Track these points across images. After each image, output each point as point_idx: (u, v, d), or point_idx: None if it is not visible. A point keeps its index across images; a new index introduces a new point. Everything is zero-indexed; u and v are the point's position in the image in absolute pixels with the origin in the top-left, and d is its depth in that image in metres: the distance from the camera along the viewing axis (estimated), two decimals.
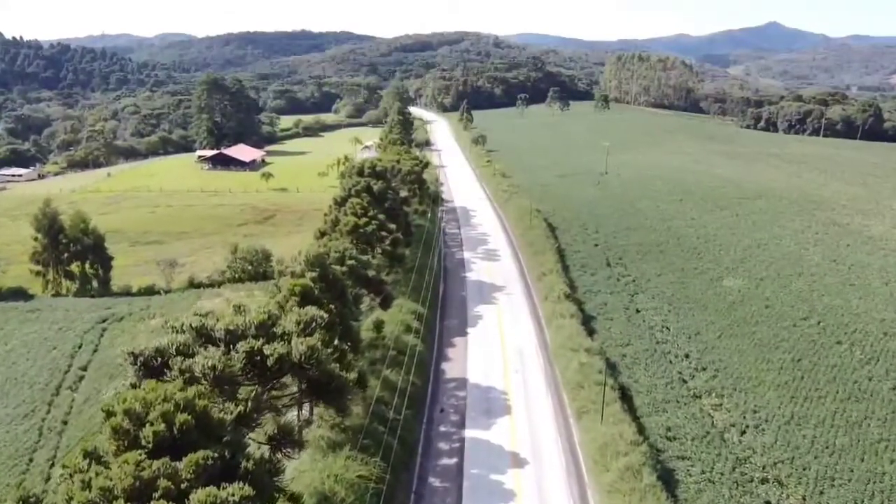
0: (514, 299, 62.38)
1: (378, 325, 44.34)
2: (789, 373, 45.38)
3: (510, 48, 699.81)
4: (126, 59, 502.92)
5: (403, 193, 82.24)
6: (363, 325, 44.41)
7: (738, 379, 44.87)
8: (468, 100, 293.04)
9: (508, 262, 75.73)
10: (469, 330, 55.82)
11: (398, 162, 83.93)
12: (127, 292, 72.04)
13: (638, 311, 57.24)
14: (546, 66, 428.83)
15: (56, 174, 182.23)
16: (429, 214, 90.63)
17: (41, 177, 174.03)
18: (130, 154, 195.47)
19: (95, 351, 55.45)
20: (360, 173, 66.22)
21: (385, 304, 44.48)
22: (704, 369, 46.38)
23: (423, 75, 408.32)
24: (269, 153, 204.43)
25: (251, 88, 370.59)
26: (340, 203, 62.43)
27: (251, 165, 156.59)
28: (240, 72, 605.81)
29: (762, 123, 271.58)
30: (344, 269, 41.92)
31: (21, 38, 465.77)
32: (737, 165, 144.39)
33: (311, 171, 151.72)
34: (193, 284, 70.98)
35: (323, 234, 58.60)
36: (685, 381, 44.71)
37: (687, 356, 48.51)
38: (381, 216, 59.76)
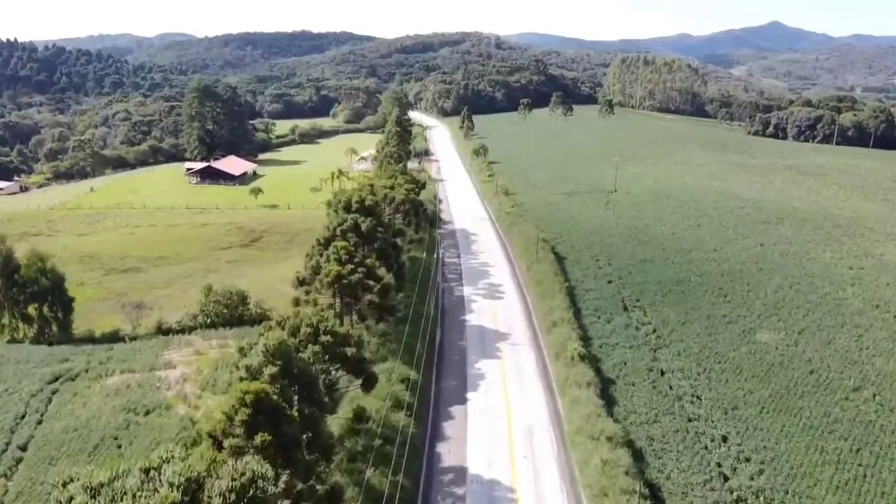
0: (521, 354, 55.07)
1: (359, 414, 37.10)
2: (849, 469, 38.08)
3: (512, 49, 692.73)
4: (122, 62, 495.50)
5: (398, 222, 74.95)
6: (341, 414, 37.20)
7: (789, 476, 37.57)
8: (469, 104, 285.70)
9: (513, 300, 68.48)
10: (469, 395, 48.57)
11: (392, 188, 76.55)
12: (89, 338, 64.76)
13: (663, 373, 49.91)
14: (548, 68, 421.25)
15: (40, 186, 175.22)
16: (426, 242, 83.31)
17: (24, 189, 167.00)
18: (119, 164, 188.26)
19: (40, 423, 48.17)
20: (348, 208, 58.93)
21: (368, 385, 37.17)
22: (748, 460, 39.07)
23: (424, 78, 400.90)
24: (263, 162, 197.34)
25: (248, 92, 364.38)
26: (324, 244, 55.13)
27: (241, 179, 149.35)
28: (238, 73, 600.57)
29: (771, 129, 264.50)
30: (317, 348, 34.61)
31: (15, 39, 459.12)
32: (752, 180, 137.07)
33: (305, 183, 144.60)
34: (162, 330, 63.70)
35: (302, 282, 51.33)
36: (726, 478, 37.41)
37: (725, 439, 41.20)
38: (370, 261, 52.44)
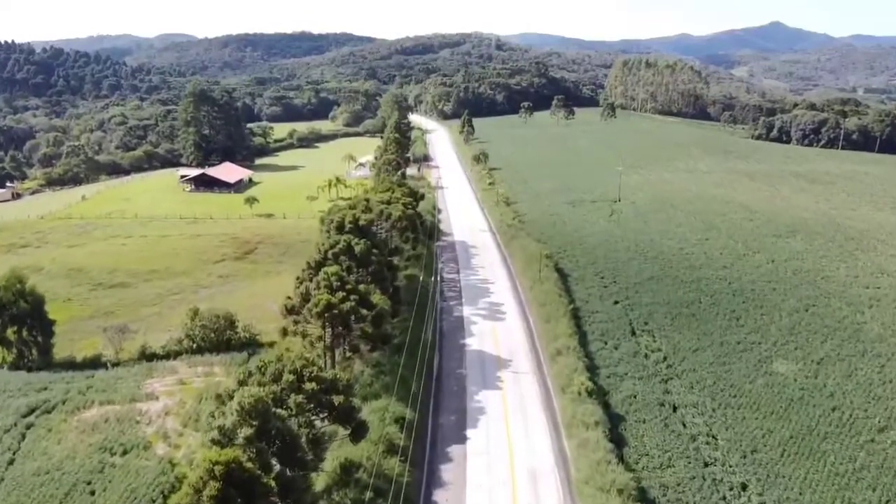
0: (523, 384, 51.96)
1: (347, 468, 34.01)
2: None
3: (512, 50, 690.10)
4: (120, 64, 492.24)
5: (395, 239, 71.89)
6: (328, 469, 34.11)
7: None
8: (469, 107, 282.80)
9: (515, 322, 65.38)
10: (469, 433, 45.44)
11: (389, 203, 73.37)
12: (70, 363, 61.65)
13: (675, 408, 46.79)
14: (549, 70, 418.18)
15: (34, 192, 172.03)
16: (423, 258, 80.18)
17: (16, 196, 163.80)
18: (113, 170, 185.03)
19: (11, 462, 45.07)
20: (341, 228, 55.88)
21: (357, 436, 34.07)
22: None
23: (424, 80, 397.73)
24: (260, 167, 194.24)
25: (247, 94, 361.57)
26: (315, 268, 52.09)
27: (236, 187, 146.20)
28: (238, 74, 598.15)
29: (775, 132, 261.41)
30: (301, 398, 31.53)
31: (13, 41, 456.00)
32: (759, 188, 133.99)
33: (302, 190, 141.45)
34: (146, 355, 60.59)
35: (291, 310, 48.25)
36: None
37: (744, 487, 38.11)
38: (363, 286, 49.33)
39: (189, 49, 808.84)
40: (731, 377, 51.10)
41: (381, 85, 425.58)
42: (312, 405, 32.53)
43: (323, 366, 40.82)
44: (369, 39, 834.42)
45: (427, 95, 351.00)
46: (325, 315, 44.65)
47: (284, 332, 46.89)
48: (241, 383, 31.49)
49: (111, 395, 54.11)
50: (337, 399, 32.63)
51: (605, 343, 57.57)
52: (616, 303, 66.80)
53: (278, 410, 28.88)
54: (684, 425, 44.62)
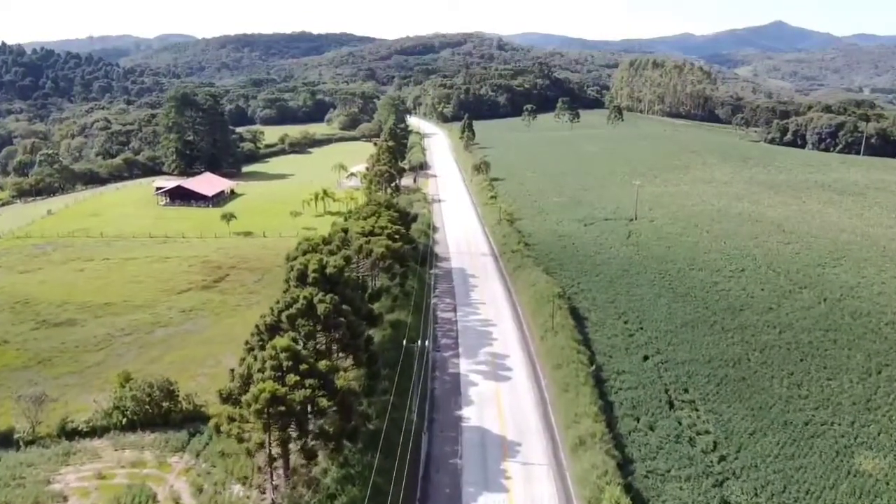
0: (536, 486, 40.13)
1: None
2: None
3: (514, 50, 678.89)
4: (112, 65, 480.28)
5: (378, 278, 60.01)
6: None
7: None
8: (470, 110, 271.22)
9: (523, 383, 53.70)
10: None
11: (371, 235, 61.45)
12: None
13: None
14: (552, 71, 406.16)
15: (4, 204, 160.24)
16: (413, 295, 68.24)
17: None
18: (90, 179, 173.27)
19: None
20: (303, 279, 43.96)
21: None
22: None
23: (423, 82, 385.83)
24: (247, 175, 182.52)
25: (240, 96, 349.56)
26: (269, 331, 40.42)
27: (215, 200, 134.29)
28: (235, 75, 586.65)
29: (789, 136, 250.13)
30: None
31: (3, 43, 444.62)
32: (785, 202, 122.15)
33: (287, 203, 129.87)
34: (66, 431, 48.87)
35: (227, 398, 36.48)
36: None
37: None
38: (325, 363, 37.52)
39: (186, 50, 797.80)
40: (805, 478, 39.27)
41: (379, 86, 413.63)
42: None
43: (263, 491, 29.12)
44: (369, 39, 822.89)
45: (427, 97, 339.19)
46: (269, 412, 32.86)
47: (217, 429, 35.14)
48: None
49: (11, 493, 42.44)
50: None
51: (638, 420, 45.76)
52: (646, 358, 55.01)
53: None
54: None
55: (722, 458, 41.32)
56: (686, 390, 49.63)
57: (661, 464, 40.82)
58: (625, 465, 40.29)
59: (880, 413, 46.25)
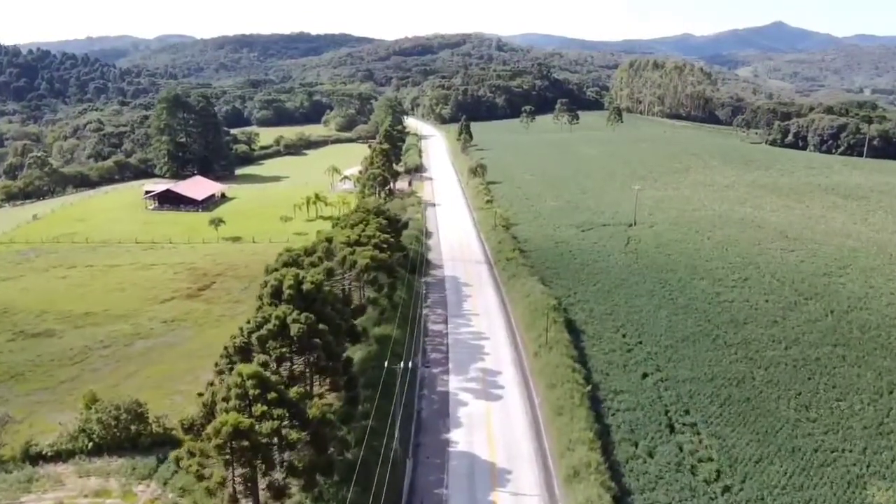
0: None
1: None
2: None
3: (514, 51, 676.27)
4: (109, 66, 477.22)
5: (364, 290, 57.12)
6: None
7: None
8: (468, 111, 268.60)
9: (515, 403, 50.82)
10: None
11: (357, 245, 58.48)
12: None
13: None
14: (552, 72, 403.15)
15: None
16: (400, 307, 65.23)
17: None
18: (81, 182, 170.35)
19: None
20: (277, 295, 41.01)
21: None
22: None
23: (421, 83, 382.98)
24: (241, 178, 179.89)
25: (237, 97, 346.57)
26: (240, 353, 37.53)
27: (206, 204, 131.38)
28: (233, 76, 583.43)
29: (790, 137, 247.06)
30: None
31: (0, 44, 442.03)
32: (789, 207, 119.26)
33: (279, 207, 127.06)
34: (30, 454, 46.00)
35: (190, 427, 33.60)
36: None
37: None
38: (296, 391, 34.64)
39: (184, 50, 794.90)
40: None
41: (377, 87, 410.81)
42: None
43: None
44: (368, 40, 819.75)
45: (424, 98, 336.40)
46: (231, 446, 29.95)
47: (177, 462, 32.24)
48: None
49: None
50: None
51: (636, 445, 42.85)
52: (645, 376, 52.09)
53: None
54: None
55: (726, 489, 38.42)
56: (687, 412, 46.73)
57: (660, 496, 37.93)
58: (622, 498, 37.43)
59: (893, 438, 43.32)
